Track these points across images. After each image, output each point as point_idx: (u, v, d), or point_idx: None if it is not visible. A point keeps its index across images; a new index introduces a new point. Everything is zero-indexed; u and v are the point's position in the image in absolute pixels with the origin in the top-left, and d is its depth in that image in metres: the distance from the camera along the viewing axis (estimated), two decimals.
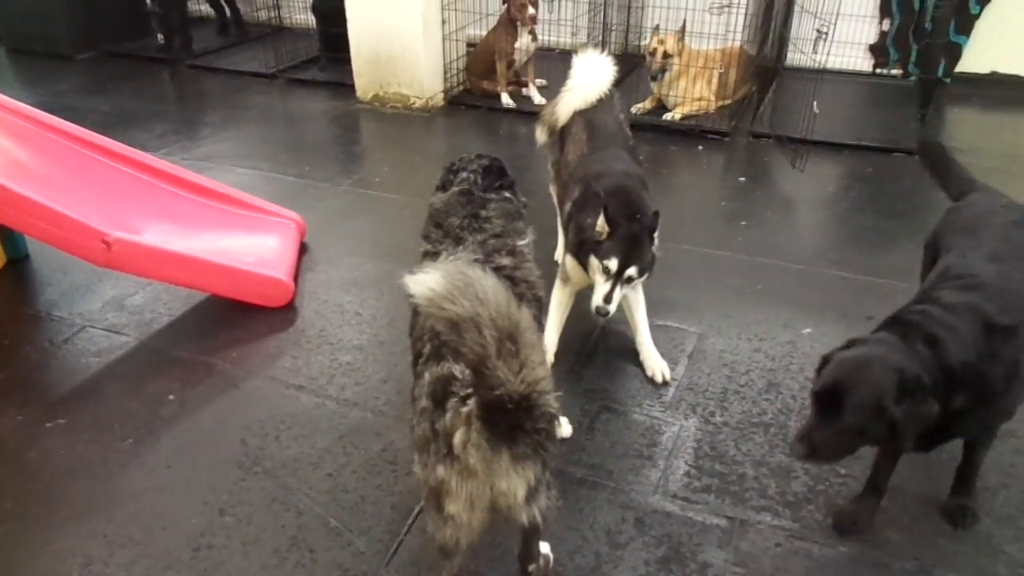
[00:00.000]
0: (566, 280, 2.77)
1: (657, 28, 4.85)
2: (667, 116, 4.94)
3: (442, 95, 5.42)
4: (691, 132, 4.79)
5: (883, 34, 5.42)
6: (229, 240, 3.31)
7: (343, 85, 5.70)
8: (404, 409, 2.58)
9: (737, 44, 4.93)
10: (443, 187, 2.13)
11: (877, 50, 5.48)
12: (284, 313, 3.14)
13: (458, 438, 1.53)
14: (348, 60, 5.66)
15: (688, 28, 4.87)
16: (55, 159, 3.34)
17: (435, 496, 1.63)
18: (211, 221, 3.40)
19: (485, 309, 1.35)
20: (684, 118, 4.90)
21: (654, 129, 4.88)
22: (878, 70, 5.55)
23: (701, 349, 2.90)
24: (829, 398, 1.81)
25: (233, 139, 4.96)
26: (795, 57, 4.94)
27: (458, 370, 1.58)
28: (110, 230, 2.79)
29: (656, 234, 2.48)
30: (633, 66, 5.70)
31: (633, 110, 5.01)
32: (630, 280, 2.48)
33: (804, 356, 2.83)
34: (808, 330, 2.98)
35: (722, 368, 2.80)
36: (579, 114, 2.93)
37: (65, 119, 3.55)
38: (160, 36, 6.45)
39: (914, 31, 5.27)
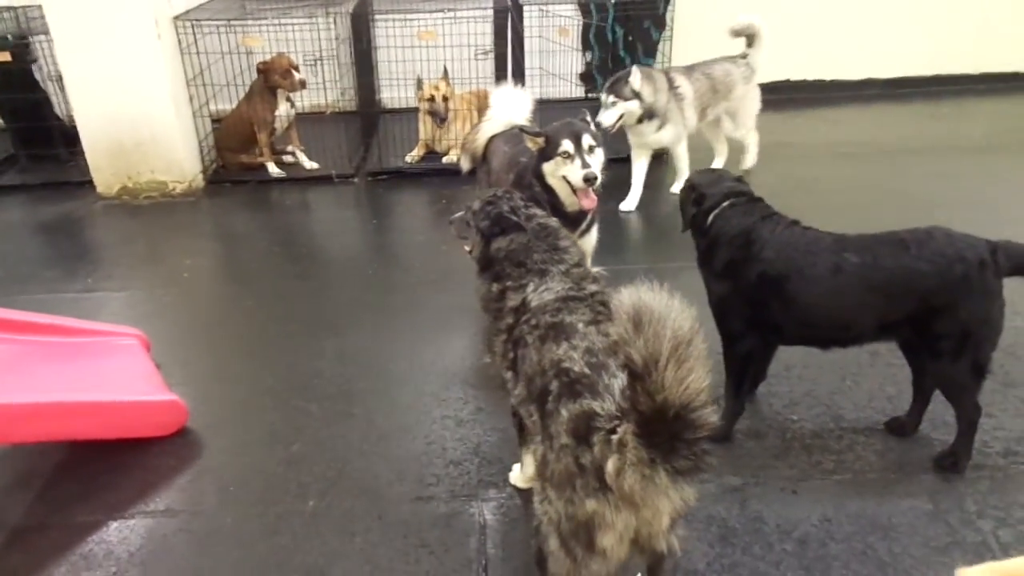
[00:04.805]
0: None
1: (420, 80, 5.04)
2: (447, 159, 5.13)
3: (201, 175, 4.97)
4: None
5: (588, 64, 6.28)
6: (81, 373, 2.72)
7: (68, 184, 4.95)
8: (404, 483, 2.43)
9: (484, 87, 5.33)
10: (502, 231, 2.08)
11: (586, 78, 6.33)
12: (182, 440, 2.68)
13: (611, 466, 1.52)
14: (56, 156, 5.08)
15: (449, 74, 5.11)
16: None
17: (585, 530, 1.61)
18: (46, 357, 2.75)
19: (671, 312, 1.42)
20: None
21: (439, 173, 5.05)
22: (589, 95, 6.40)
23: None
24: None
25: None
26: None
27: (598, 406, 1.60)
28: None
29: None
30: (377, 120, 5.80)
31: (408, 159, 5.15)
32: (592, 150, 2.82)
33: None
34: None
35: None
36: (496, 137, 3.37)
37: None
38: None
39: (612, 58, 6.20)
